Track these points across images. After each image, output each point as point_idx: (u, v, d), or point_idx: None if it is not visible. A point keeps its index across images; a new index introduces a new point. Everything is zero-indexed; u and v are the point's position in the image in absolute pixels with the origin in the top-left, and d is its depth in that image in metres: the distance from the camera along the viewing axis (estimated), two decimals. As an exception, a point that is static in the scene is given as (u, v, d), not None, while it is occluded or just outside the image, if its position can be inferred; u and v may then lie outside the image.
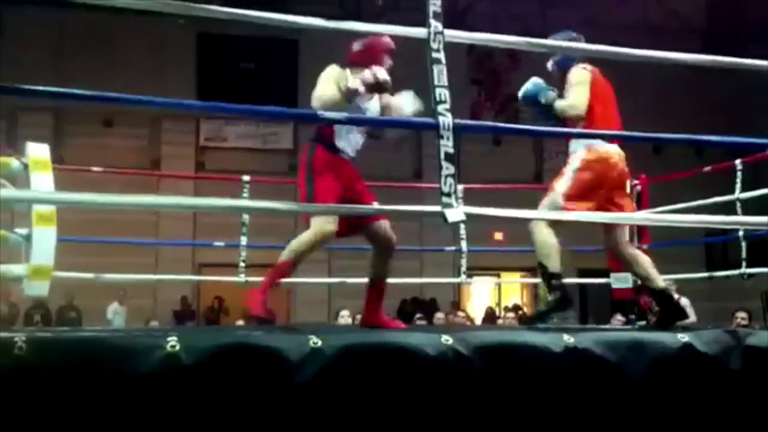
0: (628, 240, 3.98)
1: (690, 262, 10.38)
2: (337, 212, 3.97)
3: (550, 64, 4.11)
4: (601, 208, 3.82)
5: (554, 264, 3.81)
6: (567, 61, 4.00)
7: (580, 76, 3.91)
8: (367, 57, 3.90)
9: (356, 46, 3.99)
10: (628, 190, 3.96)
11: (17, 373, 2.14)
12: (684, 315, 3.89)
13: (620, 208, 3.88)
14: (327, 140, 3.91)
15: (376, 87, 3.76)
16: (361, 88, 3.72)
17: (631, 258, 3.94)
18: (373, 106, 3.97)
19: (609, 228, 3.92)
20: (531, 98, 4.00)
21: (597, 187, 3.81)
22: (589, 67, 3.97)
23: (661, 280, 3.88)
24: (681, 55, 3.51)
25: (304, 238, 3.82)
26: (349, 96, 3.73)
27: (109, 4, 2.82)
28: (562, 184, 3.85)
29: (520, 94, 4.08)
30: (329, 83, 3.80)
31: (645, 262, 3.93)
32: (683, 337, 2.80)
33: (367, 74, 3.72)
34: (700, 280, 7.96)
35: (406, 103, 3.95)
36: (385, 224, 3.95)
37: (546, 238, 3.82)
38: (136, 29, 13.43)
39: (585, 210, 3.73)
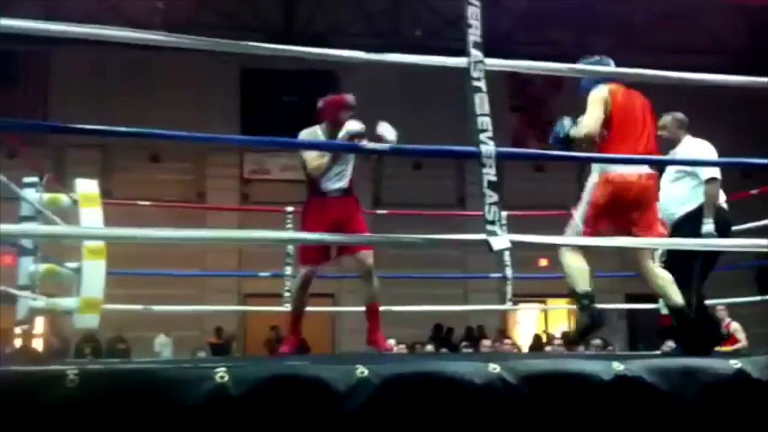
0: (650, 256, 3.97)
1: (741, 286, 10.18)
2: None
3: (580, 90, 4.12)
4: (623, 229, 3.83)
5: (582, 285, 3.80)
6: (589, 85, 3.99)
7: (594, 96, 3.89)
8: (329, 112, 4.67)
9: (319, 104, 4.74)
10: (652, 208, 3.90)
11: (70, 406, 2.18)
12: (708, 340, 3.85)
13: (644, 228, 3.85)
14: (315, 187, 4.66)
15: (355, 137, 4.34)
16: (327, 160, 4.53)
17: (650, 273, 3.90)
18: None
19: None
20: (556, 138, 4.03)
21: (613, 211, 3.81)
22: (608, 87, 3.92)
23: (680, 299, 3.82)
24: (719, 77, 3.48)
25: (293, 287, 4.84)
26: (335, 157, 4.54)
27: (157, 44, 2.88)
28: (579, 211, 3.90)
29: (549, 138, 4.11)
30: (309, 152, 4.61)
31: (664, 278, 3.88)
32: (736, 363, 2.74)
33: (343, 132, 4.34)
34: (750, 304, 7.77)
35: (387, 131, 4.44)
36: (363, 254, 4.61)
37: (570, 262, 3.85)
38: (181, 66, 13.70)
39: (603, 231, 3.78)
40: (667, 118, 4.54)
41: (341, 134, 4.35)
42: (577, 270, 3.83)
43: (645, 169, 3.86)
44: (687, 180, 4.36)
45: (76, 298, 4.65)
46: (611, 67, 3.98)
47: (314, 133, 4.71)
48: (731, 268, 7.72)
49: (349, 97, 4.71)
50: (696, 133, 4.58)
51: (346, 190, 4.72)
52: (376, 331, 4.77)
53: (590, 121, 3.84)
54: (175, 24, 12.12)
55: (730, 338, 8.93)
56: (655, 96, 4.12)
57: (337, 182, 4.68)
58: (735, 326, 8.69)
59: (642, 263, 3.92)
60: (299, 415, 2.33)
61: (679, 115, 4.55)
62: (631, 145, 3.82)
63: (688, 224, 4.25)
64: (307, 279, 4.72)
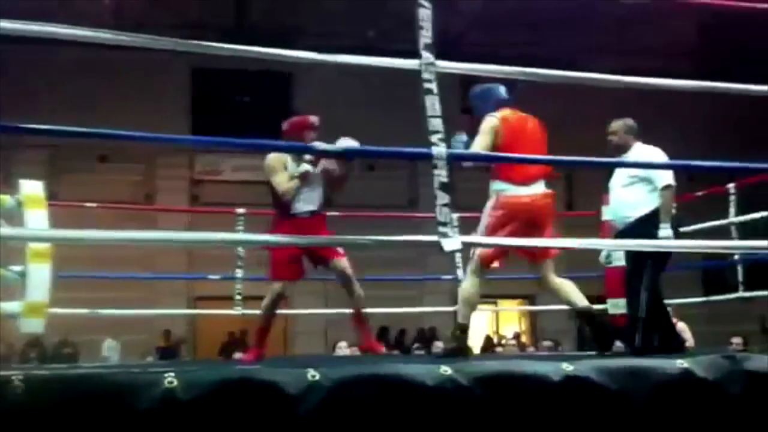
0: (552, 271, 4.15)
1: (688, 286, 10.35)
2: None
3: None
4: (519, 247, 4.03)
5: (463, 318, 4.07)
6: (483, 110, 4.20)
7: (484, 125, 4.11)
8: (292, 133, 4.68)
9: (285, 125, 4.75)
10: (549, 227, 4.08)
11: (15, 412, 2.13)
12: (612, 337, 4.11)
13: (542, 248, 4.07)
14: (284, 208, 4.67)
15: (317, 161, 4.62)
16: (311, 169, 4.59)
17: (553, 284, 4.14)
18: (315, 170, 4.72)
19: (535, 261, 4.13)
20: None
21: (511, 232, 3.97)
22: (500, 114, 4.13)
23: (585, 302, 4.08)
24: (679, 82, 3.55)
25: (264, 301, 4.73)
26: (304, 179, 4.59)
27: (107, 42, 2.83)
28: (478, 232, 4.05)
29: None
30: (280, 172, 4.64)
31: (567, 287, 4.13)
32: (682, 363, 2.79)
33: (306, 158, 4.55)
34: (697, 304, 7.94)
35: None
36: (340, 262, 4.68)
37: (467, 287, 4.11)
38: (130, 65, 13.48)
39: (498, 250, 4.06)
40: (617, 124, 4.63)
41: (308, 157, 4.53)
42: (468, 300, 4.07)
43: (540, 190, 4.09)
44: (640, 185, 4.45)
45: (20, 302, 4.55)
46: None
47: (281, 156, 4.73)
48: (679, 269, 7.87)
49: (313, 118, 4.76)
50: (647, 138, 4.63)
51: (314, 212, 4.77)
52: (368, 338, 4.93)
53: (477, 149, 4.02)
54: (125, 21, 11.94)
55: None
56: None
57: (307, 205, 4.73)
58: (681, 326, 8.85)
59: (544, 278, 4.13)
60: (251, 420, 2.31)
61: (629, 121, 4.63)
62: (524, 166, 4.04)
63: (641, 227, 4.35)
64: (279, 296, 4.74)
